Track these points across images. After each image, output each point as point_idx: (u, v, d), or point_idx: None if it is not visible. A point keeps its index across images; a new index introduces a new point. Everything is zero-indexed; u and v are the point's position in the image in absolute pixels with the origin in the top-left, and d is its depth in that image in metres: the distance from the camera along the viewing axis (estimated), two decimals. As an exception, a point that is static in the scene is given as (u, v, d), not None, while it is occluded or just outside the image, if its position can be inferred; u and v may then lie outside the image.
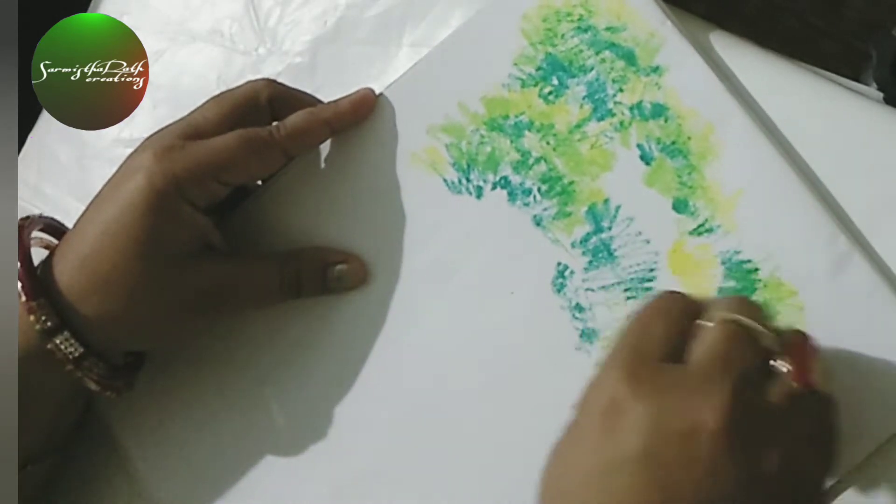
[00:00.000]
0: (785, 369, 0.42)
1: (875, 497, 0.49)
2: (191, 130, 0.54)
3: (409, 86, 0.58)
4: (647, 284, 0.53)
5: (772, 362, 0.43)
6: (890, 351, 0.48)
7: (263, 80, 0.58)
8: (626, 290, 0.53)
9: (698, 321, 0.44)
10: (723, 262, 0.52)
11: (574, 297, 0.54)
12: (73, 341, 0.51)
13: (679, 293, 0.46)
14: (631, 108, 0.54)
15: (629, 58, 0.55)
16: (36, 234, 0.56)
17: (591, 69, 0.55)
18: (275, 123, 0.56)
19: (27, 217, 0.56)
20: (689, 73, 0.54)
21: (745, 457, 0.39)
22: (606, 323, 0.53)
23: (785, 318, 0.50)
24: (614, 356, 0.43)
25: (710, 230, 0.52)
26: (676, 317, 0.44)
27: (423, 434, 0.56)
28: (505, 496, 0.53)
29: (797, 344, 0.44)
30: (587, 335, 0.53)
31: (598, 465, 0.41)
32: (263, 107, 0.57)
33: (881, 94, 0.58)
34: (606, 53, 0.55)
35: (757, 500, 0.39)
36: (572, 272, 0.54)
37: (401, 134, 0.58)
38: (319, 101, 0.59)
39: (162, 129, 0.55)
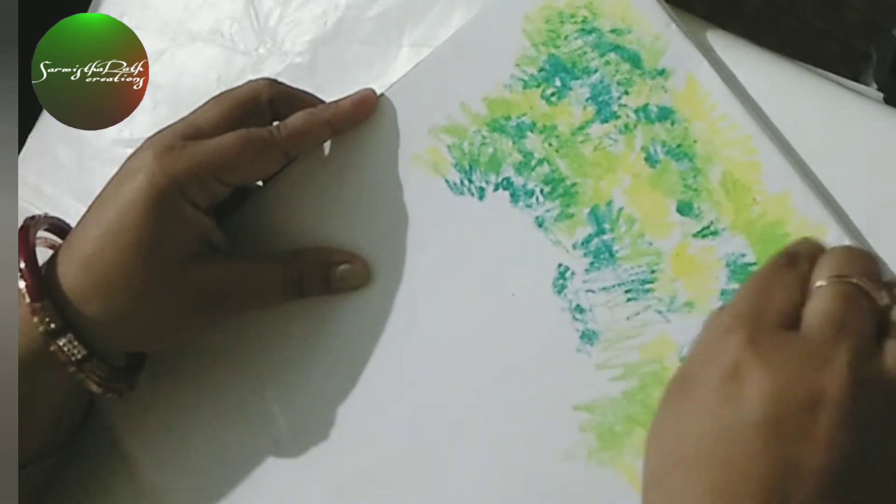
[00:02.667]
0: None
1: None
2: (191, 130, 0.54)
3: (411, 86, 0.58)
4: (648, 286, 0.53)
5: (892, 317, 0.41)
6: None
7: (264, 79, 0.58)
8: (626, 291, 0.53)
9: (813, 282, 0.42)
10: (727, 265, 0.52)
11: (574, 299, 0.54)
12: (76, 343, 0.51)
13: (797, 253, 0.44)
14: (637, 111, 0.54)
15: (634, 60, 0.55)
16: (41, 233, 0.56)
17: (595, 71, 0.55)
18: (276, 124, 0.56)
19: (33, 217, 0.56)
20: (695, 77, 0.54)
21: (864, 428, 0.38)
22: (607, 324, 0.53)
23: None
24: (736, 320, 0.41)
25: (714, 233, 0.52)
26: (795, 283, 0.43)
27: (423, 435, 0.56)
28: (506, 497, 0.53)
29: None
30: (587, 336, 0.53)
31: (717, 431, 0.39)
32: (264, 107, 0.56)
33: (881, 94, 0.58)
34: (611, 55, 0.55)
35: (877, 470, 0.39)
36: (573, 273, 0.54)
37: (402, 134, 0.58)
38: (321, 101, 0.59)
39: (162, 130, 0.55)
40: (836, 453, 0.38)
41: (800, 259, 0.44)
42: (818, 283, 0.42)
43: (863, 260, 0.43)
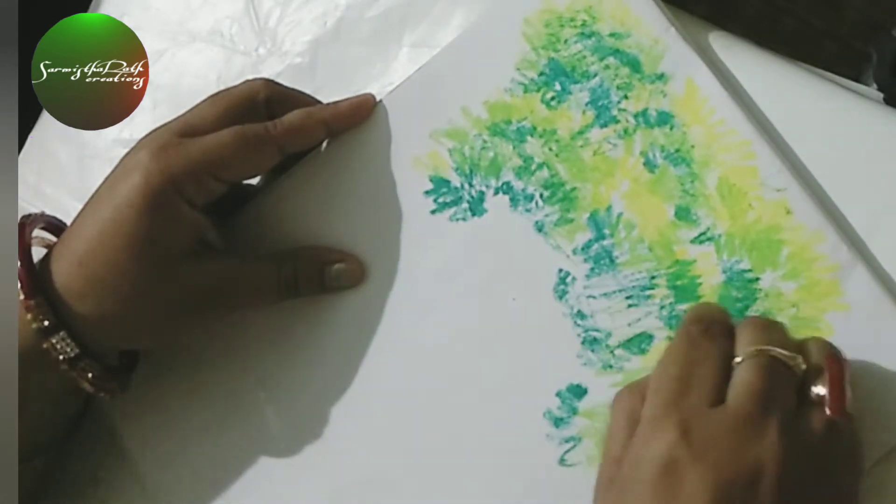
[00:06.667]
0: (821, 393, 0.43)
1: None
2: (187, 129, 0.54)
3: (413, 90, 0.58)
4: (648, 292, 0.53)
5: (811, 389, 0.44)
6: (892, 363, 0.48)
7: (261, 79, 0.58)
8: (627, 297, 0.53)
9: (734, 359, 0.44)
10: (724, 272, 0.52)
11: (576, 304, 0.54)
12: (68, 341, 0.51)
13: (711, 321, 0.46)
14: (636, 116, 0.54)
15: (634, 65, 0.55)
16: (37, 232, 0.56)
17: (595, 75, 0.55)
18: (273, 121, 0.56)
19: (29, 215, 0.56)
20: (694, 81, 0.54)
21: (800, 493, 0.41)
22: (608, 330, 0.53)
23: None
24: (663, 409, 0.43)
25: (711, 238, 0.52)
26: (713, 356, 0.44)
27: (421, 439, 0.56)
28: (504, 503, 0.54)
29: (831, 369, 0.44)
30: (589, 342, 0.53)
31: None
32: (260, 106, 0.56)
33: (881, 95, 0.58)
34: (610, 60, 0.55)
35: None
36: (574, 279, 0.54)
37: (404, 138, 0.58)
38: (318, 102, 0.59)
39: (158, 128, 0.55)
40: None
41: (713, 328, 0.46)
42: (738, 358, 0.44)
43: (775, 329, 0.46)
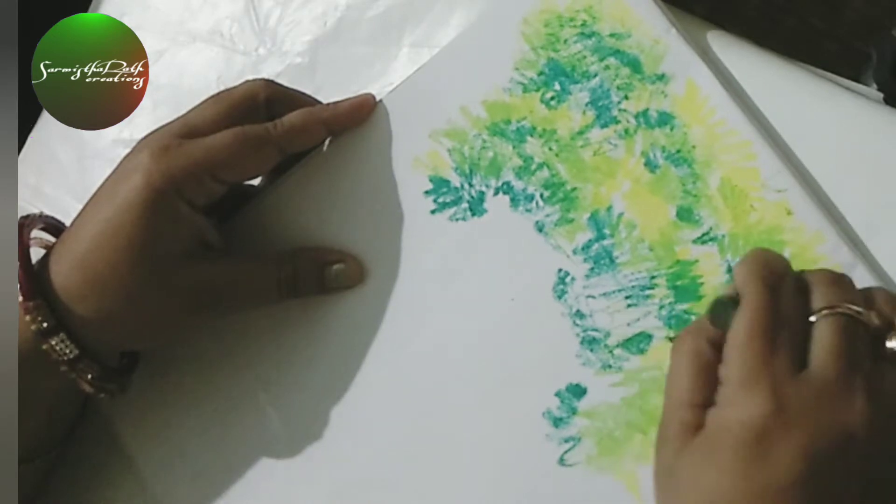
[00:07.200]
0: None
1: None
2: (187, 130, 0.54)
3: (413, 90, 0.58)
4: (647, 292, 0.53)
5: (886, 343, 0.43)
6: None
7: (261, 80, 0.57)
8: (627, 297, 0.53)
9: (810, 317, 0.43)
10: (727, 272, 0.52)
11: (575, 304, 0.54)
12: (68, 343, 0.51)
13: (784, 272, 0.44)
14: (637, 116, 0.54)
15: (634, 65, 0.55)
16: (36, 233, 0.56)
17: (595, 76, 0.55)
18: (273, 122, 0.56)
19: (27, 216, 0.56)
20: (695, 82, 0.54)
21: (891, 455, 0.40)
22: (607, 330, 0.53)
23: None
24: (752, 375, 0.42)
25: (713, 239, 0.52)
26: (791, 319, 0.43)
27: (420, 439, 0.56)
28: (504, 502, 0.54)
29: None
30: (588, 342, 0.53)
31: (753, 492, 0.40)
32: (261, 107, 0.56)
33: (881, 95, 0.58)
34: (611, 60, 0.55)
35: None
36: (573, 279, 0.54)
37: (404, 138, 0.58)
38: (318, 102, 0.59)
39: (158, 129, 0.55)
40: (873, 489, 0.40)
41: (788, 281, 0.44)
42: (813, 318, 0.43)
43: (844, 285, 0.44)
